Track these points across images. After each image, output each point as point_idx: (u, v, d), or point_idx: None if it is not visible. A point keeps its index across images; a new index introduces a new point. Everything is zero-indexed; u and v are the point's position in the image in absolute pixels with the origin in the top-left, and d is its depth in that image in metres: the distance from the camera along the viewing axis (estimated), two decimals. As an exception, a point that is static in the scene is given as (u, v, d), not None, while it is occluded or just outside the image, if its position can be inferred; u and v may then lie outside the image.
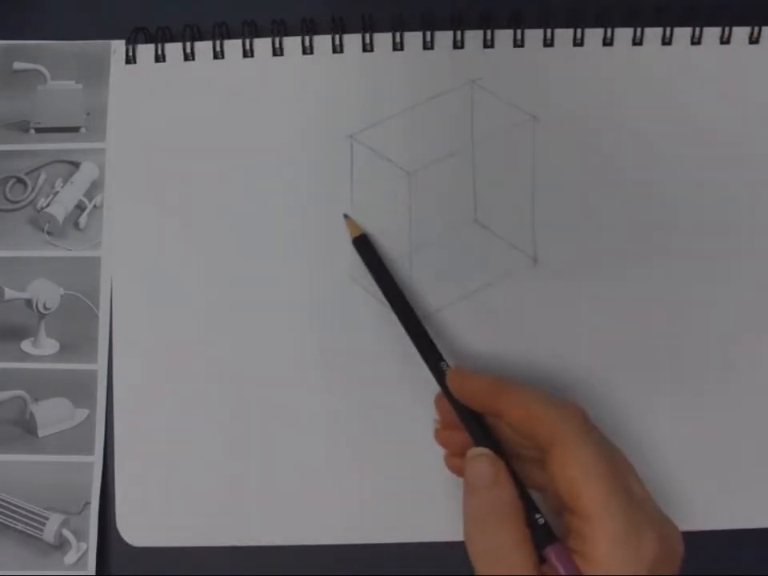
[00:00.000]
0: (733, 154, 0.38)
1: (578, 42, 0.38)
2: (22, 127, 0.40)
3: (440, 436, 0.36)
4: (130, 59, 0.39)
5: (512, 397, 0.31)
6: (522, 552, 0.28)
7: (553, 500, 0.31)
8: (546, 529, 0.30)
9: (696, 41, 0.38)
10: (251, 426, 0.38)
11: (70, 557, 0.38)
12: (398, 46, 0.38)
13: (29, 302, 0.39)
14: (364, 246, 0.37)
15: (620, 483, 0.28)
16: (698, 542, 0.32)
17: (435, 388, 0.37)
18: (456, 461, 0.35)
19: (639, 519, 0.28)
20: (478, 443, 0.32)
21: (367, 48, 0.39)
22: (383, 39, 0.39)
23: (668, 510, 0.30)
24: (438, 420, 0.36)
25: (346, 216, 0.38)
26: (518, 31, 0.38)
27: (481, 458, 0.31)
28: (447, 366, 0.34)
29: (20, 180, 0.40)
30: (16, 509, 0.38)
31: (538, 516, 0.30)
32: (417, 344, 0.35)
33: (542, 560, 0.29)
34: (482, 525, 0.30)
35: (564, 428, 0.29)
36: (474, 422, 0.33)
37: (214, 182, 0.39)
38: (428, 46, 0.38)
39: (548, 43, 0.38)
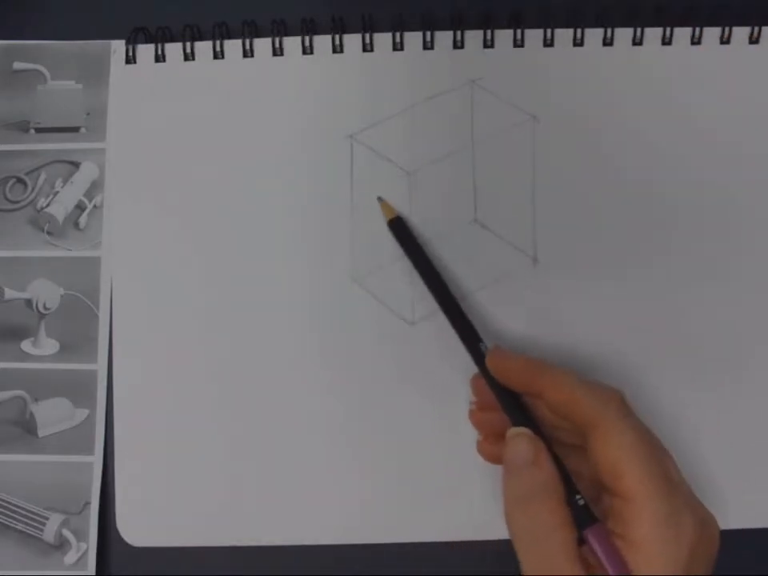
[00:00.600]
0: (733, 153, 0.38)
1: (578, 42, 0.38)
2: (22, 127, 0.40)
3: (474, 417, 0.36)
4: (130, 59, 0.39)
5: (553, 378, 0.31)
6: (564, 532, 0.28)
7: (588, 484, 0.31)
8: (585, 510, 0.29)
9: (696, 41, 0.38)
10: (251, 425, 0.38)
11: (70, 557, 0.38)
12: (397, 46, 0.38)
13: (29, 302, 0.39)
14: (399, 228, 0.37)
15: (661, 466, 0.29)
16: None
17: (435, 387, 0.37)
18: (489, 446, 0.35)
19: (679, 503, 0.28)
20: (516, 423, 0.32)
21: (367, 48, 0.39)
22: (383, 39, 0.39)
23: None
24: (474, 401, 0.36)
25: (379, 198, 0.38)
26: (518, 31, 0.38)
27: (520, 438, 0.31)
28: (486, 346, 0.34)
29: (20, 180, 0.40)
30: (16, 509, 0.38)
31: (578, 497, 0.30)
32: (455, 325, 0.35)
33: (580, 542, 0.29)
34: (522, 505, 0.30)
35: (605, 410, 0.30)
36: (513, 402, 0.33)
37: (214, 181, 0.39)
38: (428, 45, 0.38)
39: (548, 43, 0.38)
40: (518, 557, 0.29)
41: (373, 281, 0.38)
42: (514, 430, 0.32)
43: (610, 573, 0.28)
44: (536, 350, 0.37)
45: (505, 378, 0.33)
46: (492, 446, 0.35)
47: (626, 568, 0.28)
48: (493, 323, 0.37)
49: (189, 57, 0.39)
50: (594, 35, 0.38)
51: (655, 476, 0.28)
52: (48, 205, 0.40)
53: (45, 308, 0.39)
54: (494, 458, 0.35)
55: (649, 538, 0.27)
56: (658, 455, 0.29)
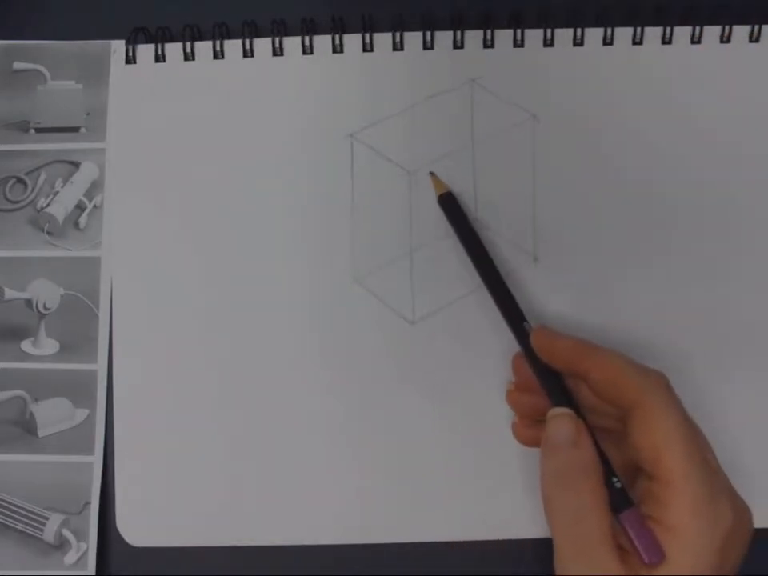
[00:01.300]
0: (733, 153, 0.38)
1: (578, 42, 0.38)
2: (22, 127, 0.40)
3: (512, 397, 0.36)
4: (130, 59, 0.39)
5: (599, 358, 0.31)
6: (601, 514, 0.29)
7: (621, 471, 0.31)
8: (622, 493, 0.30)
9: (696, 40, 0.38)
10: (251, 426, 0.38)
11: (70, 557, 0.38)
12: (397, 46, 0.38)
13: (29, 302, 0.39)
14: (449, 203, 0.37)
15: (700, 452, 0.29)
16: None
17: (435, 387, 0.37)
18: (523, 428, 0.35)
19: (717, 489, 0.28)
20: (557, 404, 0.32)
21: (367, 48, 0.39)
22: (383, 39, 0.39)
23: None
24: (512, 382, 0.36)
25: (431, 173, 0.37)
26: (518, 31, 0.38)
27: (562, 417, 0.31)
28: (529, 325, 0.34)
29: (20, 180, 0.40)
30: (16, 509, 0.38)
31: (615, 480, 0.30)
32: (499, 303, 0.35)
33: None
34: (562, 483, 0.30)
35: (650, 392, 0.30)
36: (555, 382, 0.33)
37: (214, 181, 0.39)
38: (428, 45, 0.38)
39: (548, 43, 0.38)
40: (553, 537, 0.30)
41: (373, 280, 0.38)
42: (556, 410, 0.32)
43: (644, 558, 0.28)
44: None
45: (550, 357, 0.33)
46: (527, 428, 0.35)
47: (661, 553, 0.28)
48: (492, 323, 0.37)
49: (189, 57, 0.39)
50: (593, 35, 0.38)
51: (695, 461, 0.28)
52: (48, 205, 0.40)
53: (45, 308, 0.39)
54: (528, 440, 0.35)
55: (686, 523, 0.28)
56: (698, 441, 0.29)
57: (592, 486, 0.29)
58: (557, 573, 0.29)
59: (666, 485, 0.28)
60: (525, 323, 0.34)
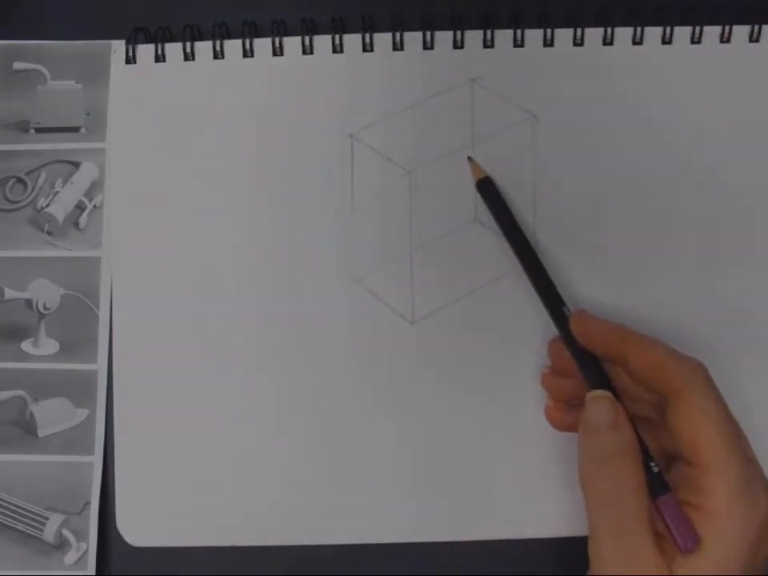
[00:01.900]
0: (733, 153, 0.38)
1: (578, 42, 0.38)
2: (22, 127, 0.40)
3: (547, 381, 0.36)
4: (130, 59, 0.39)
5: (638, 344, 0.31)
6: (640, 496, 0.29)
7: (658, 459, 0.31)
8: (659, 478, 0.30)
9: (696, 40, 0.38)
10: (251, 425, 0.38)
11: (70, 557, 0.38)
12: (397, 46, 0.38)
13: (29, 302, 0.39)
14: (487, 188, 0.37)
15: (738, 439, 0.29)
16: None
17: (435, 387, 0.37)
18: (557, 412, 0.35)
19: (754, 476, 0.29)
20: (595, 387, 0.32)
21: (367, 48, 0.39)
22: (383, 39, 0.39)
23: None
24: (548, 365, 0.36)
25: (470, 158, 0.38)
26: (518, 31, 0.38)
27: (602, 400, 0.31)
28: (569, 310, 0.34)
29: (20, 180, 0.40)
30: (16, 509, 0.38)
31: (652, 464, 0.30)
32: (538, 288, 0.35)
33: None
34: (600, 465, 0.30)
35: (691, 378, 0.30)
36: (594, 366, 0.33)
37: (214, 181, 0.39)
38: (428, 45, 0.38)
39: (548, 43, 0.38)
40: (589, 520, 0.30)
41: (373, 280, 0.38)
42: (594, 393, 0.32)
43: (680, 545, 0.28)
44: (535, 349, 0.37)
45: (589, 341, 0.33)
46: (560, 412, 0.35)
47: (696, 540, 0.28)
48: (492, 323, 0.37)
49: (189, 57, 0.39)
50: (593, 35, 0.38)
51: (734, 448, 0.28)
52: (48, 205, 0.40)
53: (45, 308, 0.39)
54: (561, 424, 0.35)
55: (723, 508, 0.28)
56: (736, 429, 0.30)
57: (631, 469, 0.29)
58: (591, 556, 0.30)
59: (705, 470, 0.28)
60: (564, 308, 0.34)
